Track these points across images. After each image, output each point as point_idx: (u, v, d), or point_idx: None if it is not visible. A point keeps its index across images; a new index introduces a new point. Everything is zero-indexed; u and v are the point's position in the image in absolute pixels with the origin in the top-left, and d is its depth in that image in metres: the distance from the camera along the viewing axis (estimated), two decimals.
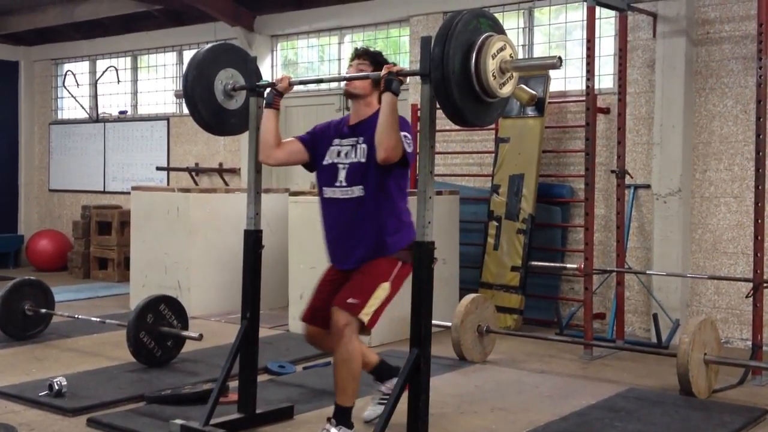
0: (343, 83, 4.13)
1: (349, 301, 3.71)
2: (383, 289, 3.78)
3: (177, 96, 4.47)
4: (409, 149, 3.75)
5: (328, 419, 3.80)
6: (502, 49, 3.29)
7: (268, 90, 4.11)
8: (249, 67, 4.21)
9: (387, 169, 3.77)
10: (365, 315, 3.73)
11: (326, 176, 3.93)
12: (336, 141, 3.95)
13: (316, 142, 4.01)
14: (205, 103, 4.16)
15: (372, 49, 4.02)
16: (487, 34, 3.30)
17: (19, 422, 4.26)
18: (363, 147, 3.83)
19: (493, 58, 3.25)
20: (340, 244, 3.91)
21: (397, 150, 3.63)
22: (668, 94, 6.58)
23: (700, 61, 6.59)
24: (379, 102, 3.76)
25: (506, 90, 3.36)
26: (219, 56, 4.23)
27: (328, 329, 3.81)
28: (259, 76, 4.18)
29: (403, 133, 3.68)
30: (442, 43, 3.22)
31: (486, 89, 3.28)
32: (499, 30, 3.39)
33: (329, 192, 3.92)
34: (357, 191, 3.82)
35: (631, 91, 6.77)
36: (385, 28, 8.62)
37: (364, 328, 3.78)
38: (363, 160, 3.82)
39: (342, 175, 3.86)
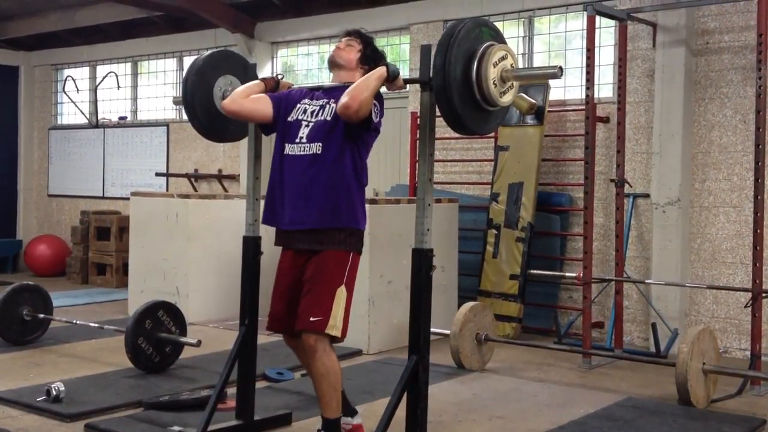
0: None
1: (312, 319, 3.61)
2: (341, 295, 3.66)
3: (176, 102, 4.48)
4: (376, 119, 3.63)
5: (318, 430, 3.79)
6: (503, 58, 3.30)
7: (275, 75, 4.09)
8: (248, 74, 4.19)
9: (350, 133, 3.63)
10: (333, 329, 3.63)
11: (288, 132, 3.77)
12: (305, 101, 3.82)
13: (284, 101, 3.85)
14: (204, 110, 4.13)
15: (363, 31, 3.95)
16: (488, 43, 3.31)
17: (17, 427, 4.25)
18: (332, 107, 3.68)
19: (495, 67, 3.26)
20: (288, 203, 3.70)
21: (362, 105, 3.44)
22: (668, 103, 6.59)
23: (700, 71, 6.60)
24: None
25: (507, 99, 3.37)
26: (218, 63, 4.21)
27: (295, 337, 3.79)
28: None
29: (374, 102, 3.57)
30: (444, 50, 3.22)
31: (487, 97, 3.29)
32: (501, 39, 3.40)
33: (288, 148, 3.74)
34: (314, 148, 3.67)
35: (631, 100, 6.79)
36: (386, 36, 8.64)
37: (337, 338, 3.71)
38: (328, 118, 3.68)
39: (304, 131, 3.71)
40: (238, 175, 9.57)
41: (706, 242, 6.58)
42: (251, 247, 4.17)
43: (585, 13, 6.12)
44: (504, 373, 5.70)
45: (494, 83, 3.27)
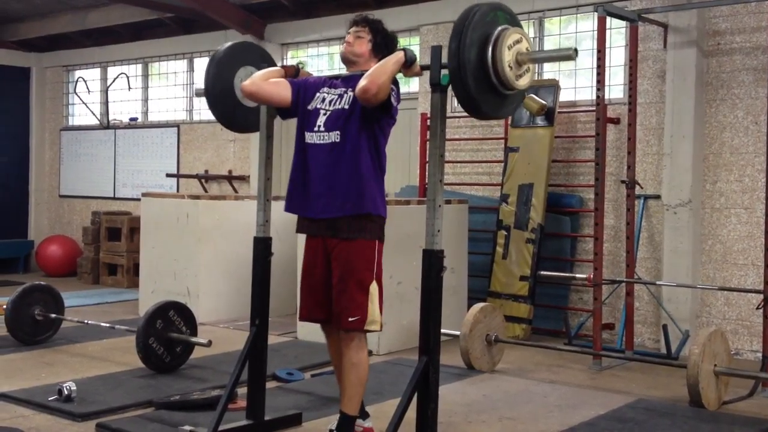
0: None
1: (351, 320, 3.70)
2: (374, 291, 3.75)
3: (198, 94, 4.54)
4: (395, 102, 3.66)
5: (330, 430, 3.82)
6: (518, 42, 3.29)
7: (296, 63, 4.15)
8: (268, 65, 4.20)
9: (367, 121, 3.66)
10: (372, 324, 3.74)
11: (307, 121, 3.82)
12: (324, 89, 3.86)
13: (303, 87, 3.89)
14: (225, 100, 4.17)
15: (371, 17, 3.90)
16: (503, 26, 3.28)
17: (29, 427, 4.27)
18: (350, 95, 3.72)
19: (509, 50, 3.24)
20: (312, 191, 3.76)
21: (381, 89, 3.48)
22: (679, 104, 6.57)
23: (711, 72, 6.58)
24: None
25: (523, 82, 3.35)
26: (238, 54, 4.23)
27: (330, 323, 3.87)
28: None
29: (391, 86, 3.59)
30: (459, 34, 3.21)
31: (503, 81, 3.27)
32: (516, 23, 3.37)
33: (308, 137, 3.80)
34: (333, 136, 3.72)
35: (642, 101, 6.77)
36: None
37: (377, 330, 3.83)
38: (346, 107, 3.72)
39: (322, 120, 3.76)
40: (249, 176, 9.59)
41: (717, 244, 6.55)
42: (262, 247, 4.18)
43: (595, 14, 6.10)
44: (514, 375, 5.70)
45: (509, 66, 3.25)
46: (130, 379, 5.23)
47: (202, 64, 10.31)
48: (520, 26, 3.39)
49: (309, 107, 3.83)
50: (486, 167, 7.88)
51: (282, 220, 7.20)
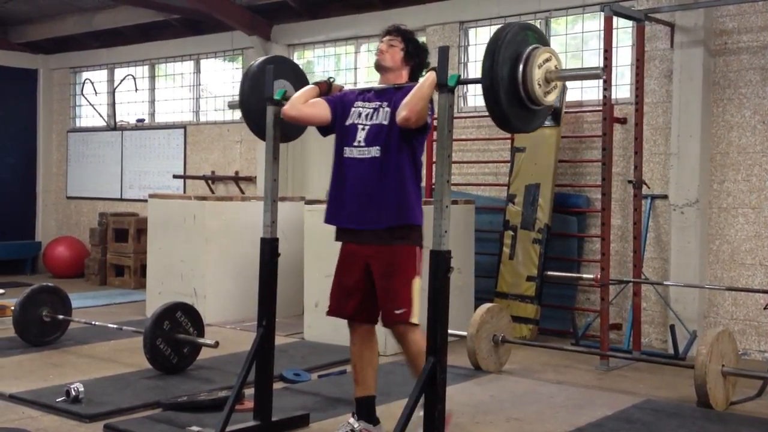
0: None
1: (397, 312, 3.87)
2: (417, 286, 3.92)
3: (231, 107, 4.66)
4: (429, 120, 3.86)
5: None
6: (547, 60, 3.45)
7: (327, 78, 4.30)
8: (298, 76, 4.41)
9: (406, 136, 3.85)
10: (416, 317, 3.92)
11: (346, 136, 4.00)
12: (359, 103, 4.04)
13: (340, 104, 4.09)
14: (260, 113, 4.26)
15: (403, 27, 4.14)
16: (533, 45, 3.43)
17: (37, 428, 4.28)
18: (386, 110, 3.92)
19: (539, 68, 3.40)
20: (354, 202, 3.92)
21: (420, 116, 3.72)
22: (686, 104, 6.55)
23: (718, 72, 6.57)
24: (409, 78, 4.00)
25: (551, 98, 3.50)
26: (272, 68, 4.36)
27: (356, 319, 4.05)
28: (305, 84, 4.33)
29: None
30: (492, 53, 3.35)
31: (532, 97, 3.41)
32: (545, 42, 3.54)
33: (347, 152, 3.98)
34: (373, 152, 3.89)
35: (649, 101, 6.76)
36: None
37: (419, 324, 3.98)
38: (385, 122, 3.91)
39: (361, 135, 3.94)
40: (255, 177, 9.59)
41: (724, 243, 6.53)
42: (268, 248, 4.19)
43: (602, 13, 6.10)
44: (521, 375, 5.69)
45: (539, 84, 3.41)
46: (137, 380, 5.24)
47: (208, 65, 10.34)
48: (549, 44, 3.54)
49: (346, 123, 4.02)
50: (492, 167, 7.87)
51: (288, 220, 7.26)
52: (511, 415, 4.67)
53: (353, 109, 4.03)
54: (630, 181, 6.47)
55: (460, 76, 3.73)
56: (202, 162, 10.27)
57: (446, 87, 3.46)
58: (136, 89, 10.95)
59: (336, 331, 6.48)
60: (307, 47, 9.47)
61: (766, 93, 6.31)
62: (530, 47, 3.42)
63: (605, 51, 5.97)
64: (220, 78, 10.23)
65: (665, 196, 6.74)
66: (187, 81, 10.54)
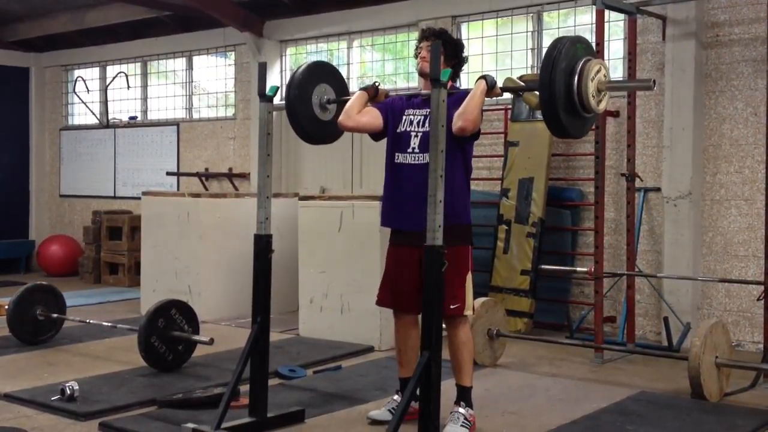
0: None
1: (452, 307, 4.11)
2: (469, 282, 4.27)
3: (276, 109, 4.81)
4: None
5: (456, 403, 4.22)
6: (598, 71, 3.64)
7: (372, 82, 4.52)
8: (337, 79, 4.57)
9: (458, 141, 4.08)
10: (469, 309, 4.27)
11: (399, 143, 4.24)
12: (408, 111, 4.27)
13: (390, 111, 4.32)
14: (307, 119, 4.44)
15: (438, 29, 4.40)
16: (585, 58, 3.61)
17: (32, 427, 4.28)
18: None
19: (592, 81, 3.59)
20: (411, 206, 4.11)
21: (475, 124, 4.00)
22: (678, 97, 6.56)
23: (710, 64, 6.58)
24: (451, 78, 4.12)
25: (602, 106, 3.70)
26: (313, 73, 4.51)
27: (403, 311, 4.31)
28: (344, 86, 4.55)
29: None
30: (549, 68, 3.53)
31: (586, 107, 3.62)
32: (593, 53, 3.73)
33: (401, 158, 4.21)
34: (428, 157, 3.95)
35: (641, 94, 6.76)
36: (394, 33, 8.63)
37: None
38: None
39: (415, 142, 4.18)
40: (249, 174, 9.59)
41: (717, 235, 6.55)
42: (263, 244, 4.19)
43: (594, 7, 6.10)
44: (516, 369, 5.71)
45: (593, 95, 3.60)
46: (132, 378, 5.24)
47: (201, 62, 10.32)
48: (595, 54, 3.76)
49: (398, 130, 4.26)
50: (486, 162, 7.87)
51: (282, 217, 7.25)
52: (507, 409, 4.68)
53: (404, 117, 4.26)
54: (623, 174, 6.48)
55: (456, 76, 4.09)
56: (195, 159, 10.26)
57: (439, 81, 3.51)
58: (129, 86, 10.92)
59: (331, 328, 6.51)
60: (300, 43, 9.45)
61: (757, 85, 6.33)
62: (583, 60, 3.59)
63: (597, 44, 5.96)
64: (213, 74, 10.21)
65: (658, 189, 6.76)
66: (179, 78, 10.52)
